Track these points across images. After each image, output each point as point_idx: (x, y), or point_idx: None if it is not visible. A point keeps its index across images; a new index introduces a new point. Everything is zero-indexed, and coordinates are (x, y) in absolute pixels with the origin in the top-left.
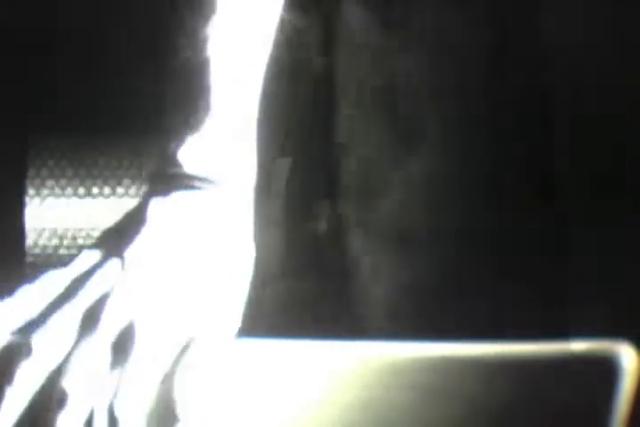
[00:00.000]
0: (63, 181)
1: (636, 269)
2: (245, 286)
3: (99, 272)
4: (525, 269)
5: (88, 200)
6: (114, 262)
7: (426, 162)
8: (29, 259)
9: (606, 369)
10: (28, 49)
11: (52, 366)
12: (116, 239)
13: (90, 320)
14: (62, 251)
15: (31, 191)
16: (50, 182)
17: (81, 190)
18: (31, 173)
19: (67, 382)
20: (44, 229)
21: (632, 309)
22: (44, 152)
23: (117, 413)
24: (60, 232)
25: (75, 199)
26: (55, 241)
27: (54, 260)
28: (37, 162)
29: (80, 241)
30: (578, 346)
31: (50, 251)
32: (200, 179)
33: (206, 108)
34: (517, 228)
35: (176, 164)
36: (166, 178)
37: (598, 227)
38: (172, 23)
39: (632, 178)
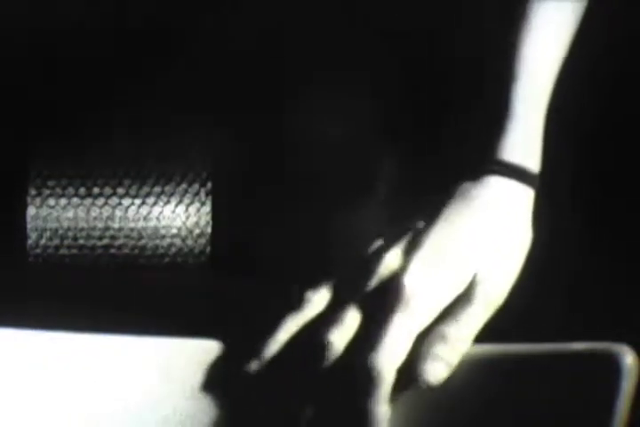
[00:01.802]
0: (64, 181)
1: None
2: (515, 273)
3: (386, 239)
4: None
5: (89, 200)
6: (405, 231)
7: None
8: (30, 259)
9: (606, 369)
10: (26, 49)
11: (316, 318)
12: (419, 213)
13: (357, 276)
14: (63, 251)
15: (32, 191)
16: (51, 182)
17: (82, 190)
18: (32, 172)
19: (328, 335)
20: (45, 230)
21: (632, 309)
22: (46, 152)
23: (374, 365)
24: (60, 232)
25: (75, 199)
26: (56, 241)
27: (55, 260)
28: (39, 161)
29: (81, 241)
30: (578, 346)
31: (51, 251)
32: (510, 168)
33: (513, 101)
34: None
35: (487, 152)
36: (479, 166)
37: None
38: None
39: None
